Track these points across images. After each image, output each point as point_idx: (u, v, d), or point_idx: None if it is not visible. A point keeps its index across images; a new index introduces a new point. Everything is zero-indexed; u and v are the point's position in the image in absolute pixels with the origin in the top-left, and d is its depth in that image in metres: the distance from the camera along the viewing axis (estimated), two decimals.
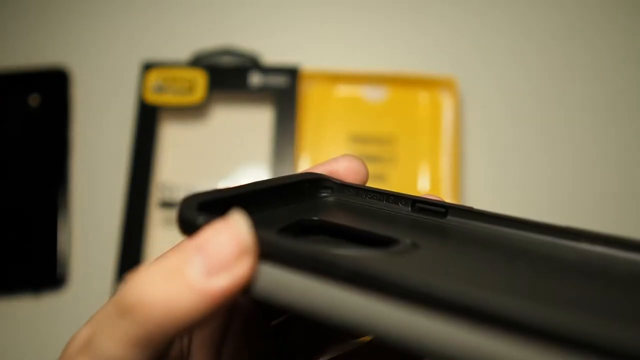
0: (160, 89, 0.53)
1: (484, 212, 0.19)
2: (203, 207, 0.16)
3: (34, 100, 0.55)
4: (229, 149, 0.54)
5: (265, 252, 0.14)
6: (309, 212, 0.20)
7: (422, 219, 0.20)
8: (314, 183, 0.21)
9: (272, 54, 0.56)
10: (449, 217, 0.20)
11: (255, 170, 0.53)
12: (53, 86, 0.55)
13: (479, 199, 0.53)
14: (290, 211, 0.19)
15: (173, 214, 0.50)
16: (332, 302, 0.13)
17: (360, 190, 0.21)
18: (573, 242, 0.17)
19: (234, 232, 0.14)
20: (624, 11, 0.59)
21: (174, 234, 0.40)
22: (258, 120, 0.54)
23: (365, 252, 0.16)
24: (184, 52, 0.56)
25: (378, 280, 0.13)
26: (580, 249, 0.17)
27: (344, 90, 0.55)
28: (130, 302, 0.14)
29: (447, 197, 0.51)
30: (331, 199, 0.21)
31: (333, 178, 0.21)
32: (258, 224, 0.16)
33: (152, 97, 0.53)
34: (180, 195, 0.50)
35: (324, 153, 0.53)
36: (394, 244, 0.17)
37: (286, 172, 0.50)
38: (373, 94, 0.55)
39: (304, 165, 0.52)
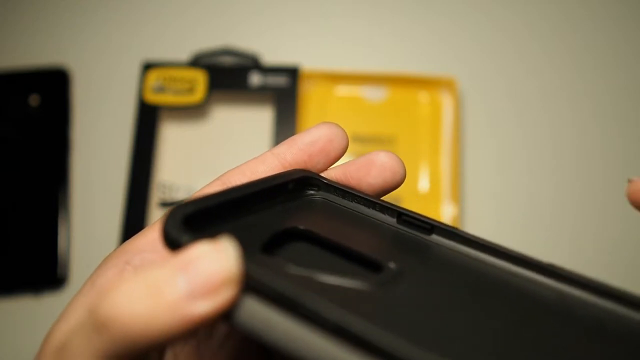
0: (160, 89, 0.53)
1: (468, 236, 0.19)
2: (188, 220, 0.16)
3: (34, 100, 0.55)
4: (229, 149, 0.54)
5: (250, 285, 0.14)
6: (296, 216, 0.19)
7: (406, 233, 0.20)
8: (300, 181, 0.21)
9: (272, 54, 0.56)
10: (433, 236, 0.20)
11: None
12: (53, 86, 0.55)
13: (478, 199, 0.53)
14: (277, 215, 0.19)
15: None
16: (314, 348, 0.13)
17: (347, 194, 0.21)
18: (551, 280, 0.17)
19: (221, 258, 0.14)
20: (627, 8, 0.59)
21: None
22: (258, 120, 0.54)
23: (350, 284, 0.16)
24: (184, 52, 0.56)
25: (360, 340, 0.13)
26: (557, 289, 0.17)
27: (344, 90, 0.55)
28: (108, 317, 0.14)
29: (447, 197, 0.51)
30: (318, 197, 0.21)
31: (321, 177, 0.21)
32: (243, 233, 0.16)
33: (152, 97, 0.53)
34: (180, 195, 0.50)
35: None
36: (380, 270, 0.17)
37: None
38: (373, 94, 0.55)
39: None
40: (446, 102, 0.54)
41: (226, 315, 0.14)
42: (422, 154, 0.53)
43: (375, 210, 0.21)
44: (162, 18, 0.59)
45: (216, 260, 0.14)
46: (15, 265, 0.50)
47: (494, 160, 0.54)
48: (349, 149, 0.22)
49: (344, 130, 0.21)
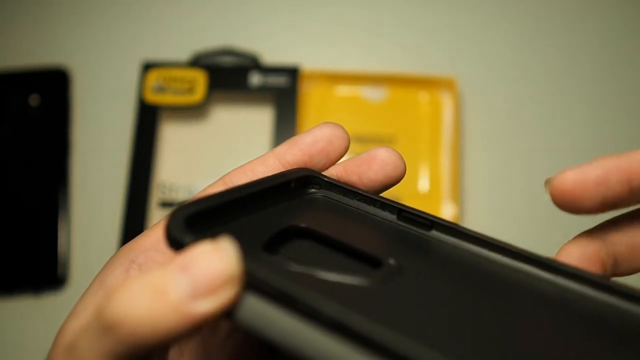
0: (160, 89, 0.53)
1: (467, 231, 0.19)
2: (191, 220, 0.16)
3: (34, 100, 0.55)
4: (229, 149, 0.54)
5: (250, 283, 0.14)
6: (297, 214, 0.20)
7: (406, 229, 0.20)
8: (302, 180, 0.21)
9: (272, 54, 0.56)
10: (433, 232, 0.20)
11: None
12: (53, 86, 0.55)
13: (478, 199, 0.53)
14: (278, 213, 0.19)
15: None
16: (314, 344, 0.14)
17: (347, 191, 0.21)
18: (551, 275, 0.17)
19: (222, 258, 0.14)
20: (623, 10, 0.59)
21: None
22: (258, 120, 0.54)
23: (350, 280, 0.16)
24: (184, 52, 0.56)
25: (359, 336, 0.13)
26: (557, 283, 0.17)
27: (344, 90, 0.55)
28: (114, 319, 0.14)
29: (447, 197, 0.51)
30: (319, 195, 0.21)
31: (322, 175, 0.21)
32: (245, 232, 0.16)
33: (152, 97, 0.53)
34: (180, 195, 0.50)
35: None
36: (379, 266, 0.17)
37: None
38: (373, 94, 0.55)
39: None
40: (446, 102, 0.54)
41: (228, 313, 0.14)
42: (422, 153, 0.53)
43: (376, 207, 0.21)
44: (162, 18, 0.59)
45: (217, 260, 0.14)
46: (15, 265, 0.50)
47: (493, 160, 0.54)
48: (349, 149, 0.22)
49: (345, 131, 0.21)
